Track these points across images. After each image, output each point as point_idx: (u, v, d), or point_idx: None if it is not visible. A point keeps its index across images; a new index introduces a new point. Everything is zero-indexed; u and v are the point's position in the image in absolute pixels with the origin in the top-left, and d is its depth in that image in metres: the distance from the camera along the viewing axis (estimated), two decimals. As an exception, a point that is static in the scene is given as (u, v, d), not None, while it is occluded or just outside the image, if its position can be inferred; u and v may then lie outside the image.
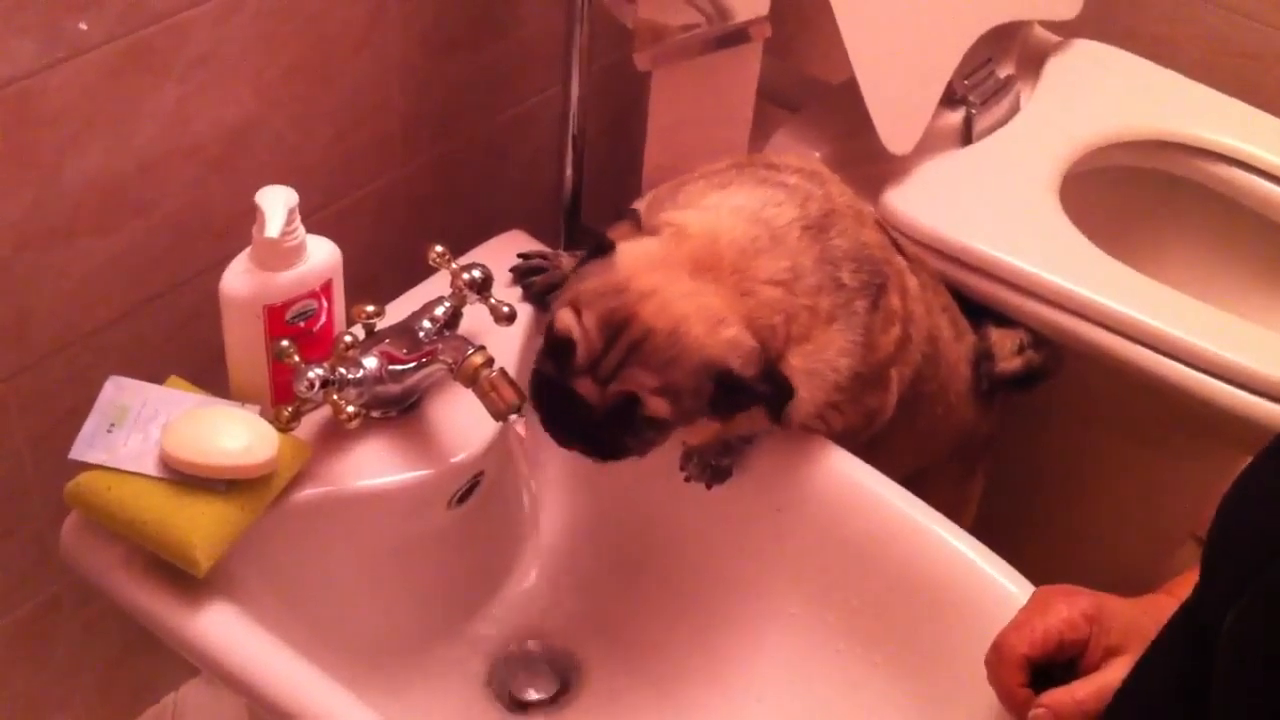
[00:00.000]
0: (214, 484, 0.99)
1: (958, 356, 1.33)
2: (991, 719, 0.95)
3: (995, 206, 1.46)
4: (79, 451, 1.00)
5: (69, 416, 1.03)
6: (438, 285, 1.17)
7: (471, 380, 1.05)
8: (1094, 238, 1.44)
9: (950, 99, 1.51)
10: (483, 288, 1.15)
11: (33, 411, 1.18)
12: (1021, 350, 1.40)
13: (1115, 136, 1.57)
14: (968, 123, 1.52)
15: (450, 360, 1.06)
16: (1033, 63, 1.64)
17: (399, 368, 1.09)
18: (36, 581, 1.28)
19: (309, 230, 1.06)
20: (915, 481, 1.18)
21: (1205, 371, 1.33)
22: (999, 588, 1.06)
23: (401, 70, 1.30)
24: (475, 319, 1.16)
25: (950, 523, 1.12)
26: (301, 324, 1.07)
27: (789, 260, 1.06)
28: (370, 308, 1.11)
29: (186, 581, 0.99)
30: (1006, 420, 1.46)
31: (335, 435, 1.10)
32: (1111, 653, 0.86)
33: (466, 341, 1.07)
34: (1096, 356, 1.37)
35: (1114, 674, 0.82)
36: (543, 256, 1.27)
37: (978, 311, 1.41)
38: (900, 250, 1.24)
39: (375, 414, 1.11)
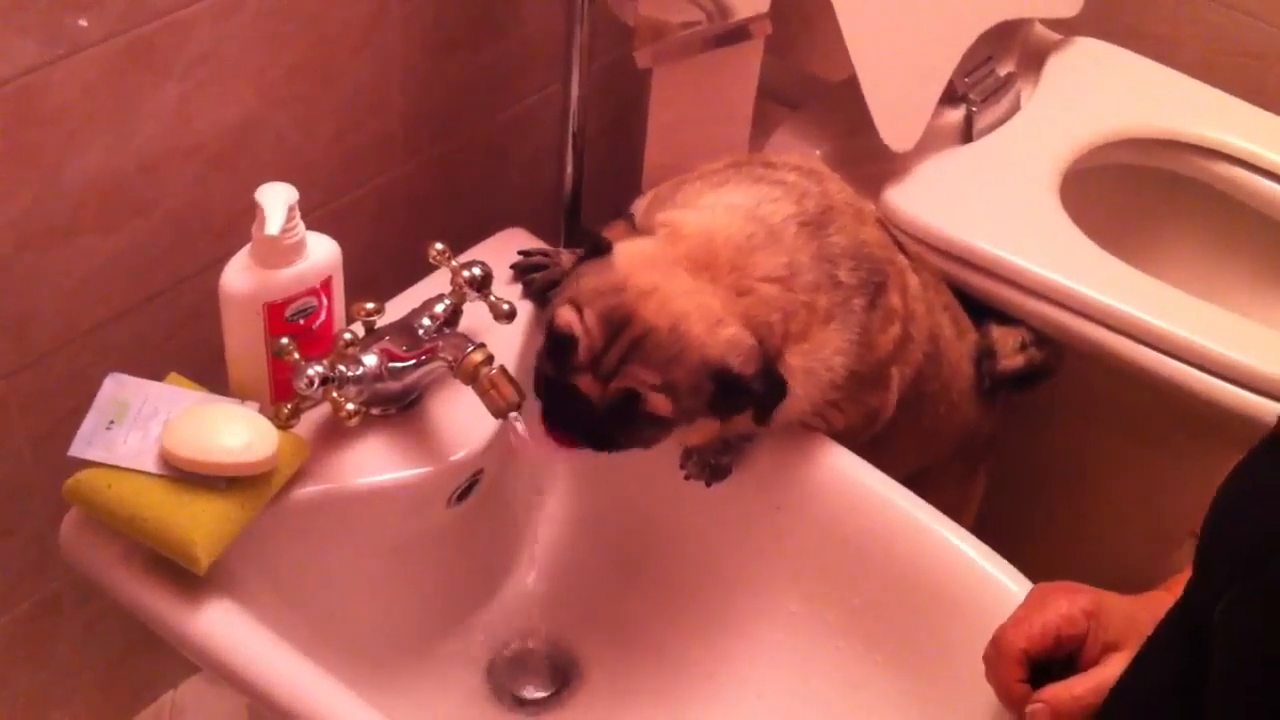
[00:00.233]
0: (214, 481, 0.99)
1: (960, 355, 1.33)
2: (991, 717, 0.95)
3: (996, 204, 1.46)
4: (78, 449, 1.00)
5: (70, 415, 1.03)
6: (438, 283, 1.17)
7: (471, 378, 1.05)
8: (1094, 236, 1.43)
9: (951, 97, 1.51)
10: (483, 285, 1.15)
11: (33, 410, 1.18)
12: (1023, 348, 1.40)
13: (1116, 134, 1.57)
14: (968, 121, 1.52)
15: (450, 358, 1.06)
16: (1033, 61, 1.64)
17: (399, 365, 1.09)
18: (37, 579, 1.28)
19: (309, 228, 1.06)
20: (918, 481, 1.18)
21: (1206, 370, 1.33)
22: (999, 586, 1.06)
23: (402, 69, 1.30)
24: (475, 316, 1.16)
25: (951, 521, 1.12)
26: (301, 321, 1.07)
27: (786, 257, 1.06)
28: (370, 305, 1.11)
29: (186, 579, 0.99)
30: (1008, 419, 1.46)
31: (335, 433, 1.10)
32: (1110, 649, 0.86)
33: (466, 339, 1.07)
34: (1097, 355, 1.37)
35: (1112, 670, 0.82)
36: (543, 254, 1.27)
37: (979, 310, 1.41)
38: (902, 249, 1.23)
39: (375, 411, 1.11)
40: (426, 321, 1.11)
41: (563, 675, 1.23)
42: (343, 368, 1.06)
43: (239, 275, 1.05)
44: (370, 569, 1.16)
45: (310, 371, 1.03)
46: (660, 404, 1.01)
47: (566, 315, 1.02)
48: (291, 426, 1.07)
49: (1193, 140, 1.57)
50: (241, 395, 1.08)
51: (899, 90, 1.42)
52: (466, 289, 1.14)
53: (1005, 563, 1.08)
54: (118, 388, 1.04)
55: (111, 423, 1.01)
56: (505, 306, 1.16)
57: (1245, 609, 0.59)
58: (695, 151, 1.25)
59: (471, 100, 1.40)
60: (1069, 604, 0.88)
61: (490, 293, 1.16)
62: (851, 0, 1.32)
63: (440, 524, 1.17)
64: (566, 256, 1.26)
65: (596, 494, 1.27)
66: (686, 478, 1.18)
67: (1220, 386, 1.33)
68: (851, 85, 1.37)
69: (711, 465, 1.17)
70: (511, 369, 1.08)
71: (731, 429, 1.10)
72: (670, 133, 1.31)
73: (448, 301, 1.13)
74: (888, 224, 1.27)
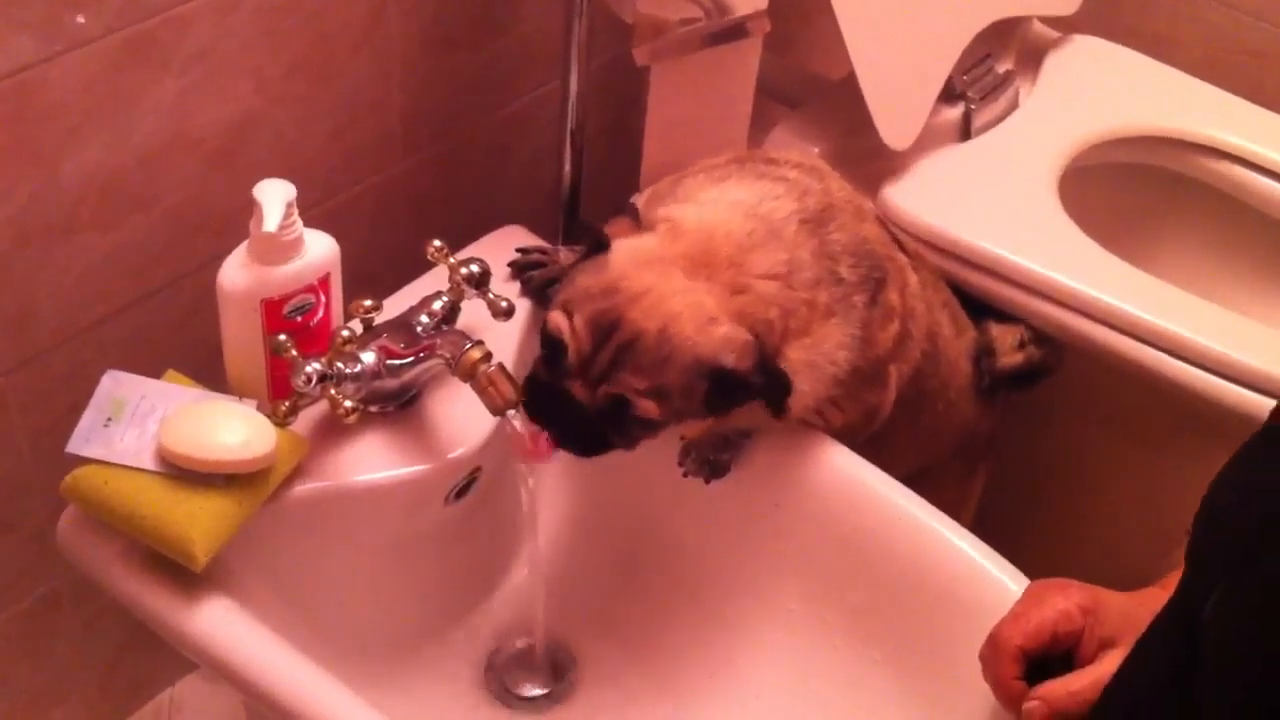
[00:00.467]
0: (211, 478, 0.99)
1: (958, 353, 1.33)
2: (990, 716, 0.95)
3: (994, 202, 1.46)
4: (76, 446, 1.00)
5: (69, 411, 1.03)
6: (436, 280, 1.17)
7: (469, 375, 1.05)
8: (1093, 234, 1.43)
9: (949, 94, 1.50)
10: (481, 283, 1.15)
11: (32, 407, 1.18)
12: (1022, 346, 1.40)
13: (1114, 132, 1.57)
14: (967, 118, 1.52)
15: (448, 355, 1.06)
16: (1032, 58, 1.64)
17: (397, 363, 1.09)
18: (36, 576, 1.28)
19: (308, 224, 1.06)
20: (917, 479, 1.18)
21: (1205, 368, 1.33)
22: (998, 585, 1.06)
23: (401, 66, 1.30)
24: (473, 314, 1.16)
25: (950, 520, 1.12)
26: (299, 318, 1.07)
27: (786, 254, 1.06)
28: (368, 302, 1.10)
29: (184, 576, 0.99)
30: (1007, 417, 1.46)
31: (333, 430, 1.10)
32: (1106, 645, 0.86)
33: (464, 336, 1.07)
34: (1096, 352, 1.37)
35: (1108, 666, 0.82)
36: (541, 251, 1.27)
37: (978, 308, 1.41)
38: (901, 246, 1.23)
39: (373, 409, 1.11)
40: (424, 319, 1.11)
41: (561, 673, 1.23)
42: (341, 365, 1.06)
43: (237, 272, 1.05)
44: (368, 566, 1.16)
45: (308, 369, 1.03)
46: (649, 409, 1.01)
47: (556, 320, 1.02)
48: (289, 424, 1.07)
49: (1192, 138, 1.57)
50: (239, 392, 1.08)
51: (897, 88, 1.42)
52: (465, 286, 1.14)
53: (1004, 561, 1.08)
54: (115, 385, 1.04)
55: (109, 420, 1.01)
56: (503, 304, 1.16)
57: (1238, 603, 0.59)
58: (694, 149, 1.24)
59: (470, 98, 1.40)
60: (1065, 601, 0.88)
61: (488, 290, 1.16)
62: (850, -2, 1.32)
63: (438, 521, 1.17)
64: (565, 254, 1.26)
65: (595, 491, 1.27)
66: (685, 475, 1.18)
67: (1219, 384, 1.33)
68: (850, 83, 1.36)
69: (710, 462, 1.17)
70: (510, 366, 1.08)
71: (730, 425, 1.10)
72: (669, 130, 1.31)
73: (446, 299, 1.13)
74: (887, 222, 1.27)
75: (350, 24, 1.23)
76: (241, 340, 1.07)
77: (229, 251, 1.06)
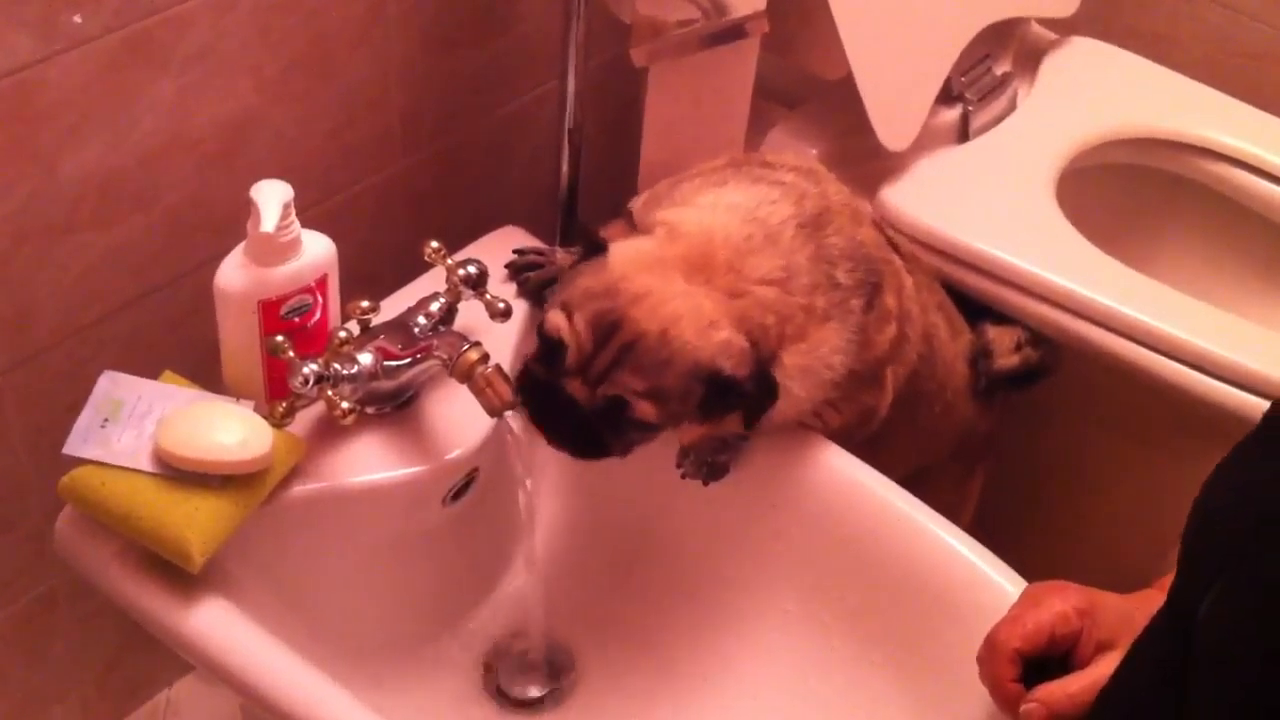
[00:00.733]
0: (208, 479, 0.99)
1: (954, 355, 1.33)
2: (987, 718, 0.95)
3: (992, 204, 1.46)
4: (73, 446, 0.99)
5: (66, 411, 1.03)
6: (433, 281, 1.17)
7: (467, 376, 1.05)
8: (1090, 235, 1.43)
9: (947, 96, 1.50)
10: (478, 284, 1.15)
11: (30, 406, 1.18)
12: (1019, 348, 1.40)
13: (1112, 134, 1.57)
14: (964, 120, 1.52)
15: (445, 356, 1.06)
16: (1030, 60, 1.64)
17: (394, 363, 1.09)
18: (33, 577, 1.28)
19: (307, 225, 1.06)
20: (915, 481, 1.18)
21: (1202, 370, 1.33)
22: (996, 587, 1.06)
23: (400, 65, 1.30)
24: (471, 315, 1.16)
25: (948, 522, 1.12)
26: (296, 319, 1.07)
27: (783, 259, 1.06)
28: (365, 303, 1.11)
29: (181, 578, 0.99)
30: (1005, 419, 1.46)
31: (330, 431, 1.10)
32: (1103, 647, 0.86)
33: (462, 337, 1.07)
34: (1093, 354, 1.37)
35: (1105, 668, 0.82)
36: (538, 252, 1.27)
37: (975, 309, 1.41)
38: (896, 249, 1.23)
39: (370, 410, 1.11)
40: (422, 320, 1.11)
41: (558, 674, 1.23)
42: (338, 366, 1.06)
43: (234, 273, 1.05)
44: (366, 567, 1.16)
45: (305, 370, 1.03)
46: (647, 411, 1.01)
47: (556, 320, 1.02)
48: (286, 425, 1.07)
49: (1189, 140, 1.57)
50: (236, 393, 1.08)
51: (895, 89, 1.42)
52: (462, 287, 1.14)
53: (1002, 563, 1.08)
54: (112, 385, 1.04)
55: (106, 420, 1.01)
56: (501, 305, 1.16)
57: (1235, 602, 0.59)
58: (692, 150, 1.25)
59: (469, 98, 1.40)
60: (1062, 603, 0.88)
61: (486, 291, 1.16)
62: (849, -1, 1.32)
63: (436, 523, 1.17)
64: (562, 255, 1.26)
65: (593, 492, 1.27)
66: (683, 476, 1.18)
67: (1217, 386, 1.33)
68: (848, 84, 1.36)
69: (709, 464, 1.17)
70: (507, 367, 1.08)
71: (725, 429, 1.10)
72: (667, 131, 1.31)
73: (443, 300, 1.13)
74: (883, 225, 1.27)
75: (349, 23, 1.23)
76: (238, 341, 1.07)
77: (227, 251, 1.06)
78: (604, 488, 1.25)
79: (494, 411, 1.06)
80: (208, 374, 1.10)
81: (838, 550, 1.15)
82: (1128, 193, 1.63)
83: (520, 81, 1.44)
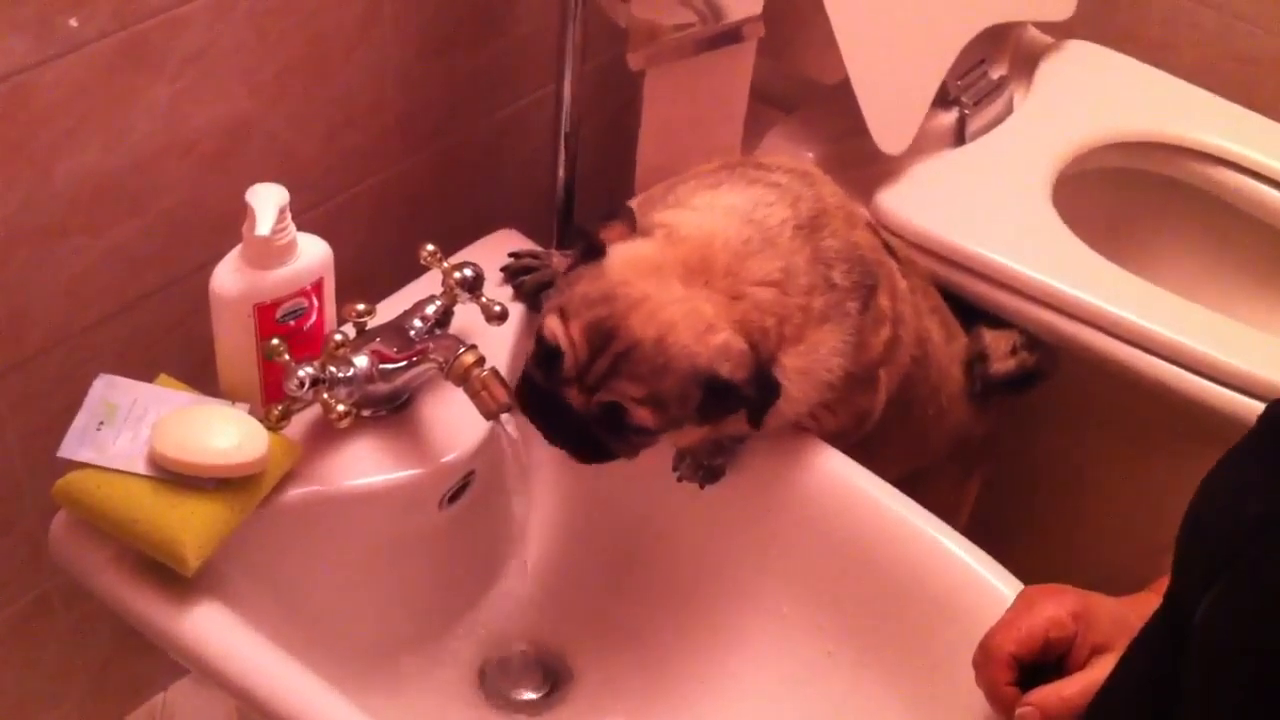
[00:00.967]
0: (203, 483, 0.99)
1: (949, 358, 1.33)
2: (983, 720, 0.95)
3: (988, 207, 1.46)
4: (68, 450, 0.99)
5: (61, 414, 1.03)
6: (429, 284, 1.17)
7: (462, 379, 1.05)
8: (1087, 239, 1.43)
9: (943, 100, 1.51)
10: (474, 287, 1.15)
11: (24, 410, 1.17)
12: (1015, 352, 1.40)
13: (1108, 138, 1.57)
14: (961, 123, 1.52)
15: (441, 359, 1.06)
16: (1026, 64, 1.64)
17: (390, 366, 1.09)
18: (28, 580, 1.28)
19: (303, 228, 1.06)
20: (911, 483, 1.18)
21: (1199, 373, 1.33)
22: (992, 590, 1.06)
23: (396, 68, 1.30)
24: (467, 318, 1.16)
25: (944, 524, 1.12)
26: (292, 323, 1.07)
27: (781, 261, 1.06)
28: (361, 306, 1.10)
29: (176, 581, 0.99)
30: (1002, 422, 1.46)
31: (325, 434, 1.10)
32: (1098, 651, 0.86)
33: (458, 340, 1.07)
34: (1090, 358, 1.37)
35: (1101, 672, 0.82)
36: (534, 255, 1.27)
37: (972, 313, 1.41)
38: (892, 252, 1.24)
39: (366, 413, 1.11)
40: (418, 323, 1.11)
41: (554, 677, 1.23)
42: (333, 369, 1.06)
43: (230, 276, 1.05)
44: (361, 571, 1.16)
45: (301, 373, 1.03)
46: (644, 417, 1.01)
47: (552, 326, 1.01)
48: (282, 428, 1.07)
49: (1186, 144, 1.57)
50: (232, 397, 1.08)
51: (892, 93, 1.42)
52: (458, 290, 1.14)
53: (999, 566, 1.08)
54: (108, 389, 1.04)
55: (101, 424, 1.01)
56: (497, 308, 1.15)
57: (1232, 605, 0.59)
58: (688, 153, 1.25)
59: (465, 101, 1.40)
60: (1056, 607, 0.88)
61: (482, 294, 1.16)
62: (845, 3, 1.32)
63: (431, 526, 1.17)
64: (558, 258, 1.25)
65: (589, 496, 1.27)
66: (679, 479, 1.18)
67: (1212, 389, 1.33)
68: (845, 88, 1.37)
69: (705, 467, 1.17)
70: (503, 371, 1.08)
71: (723, 431, 1.10)
72: (663, 135, 1.31)
73: (439, 303, 1.13)
74: (877, 227, 1.27)
75: (345, 26, 1.23)
76: (234, 344, 1.07)
77: (223, 255, 1.06)
78: (600, 490, 1.25)
79: (490, 414, 1.06)
80: (203, 377, 1.10)
81: (834, 553, 1.15)
82: (1124, 196, 1.64)
83: (517, 85, 1.44)
